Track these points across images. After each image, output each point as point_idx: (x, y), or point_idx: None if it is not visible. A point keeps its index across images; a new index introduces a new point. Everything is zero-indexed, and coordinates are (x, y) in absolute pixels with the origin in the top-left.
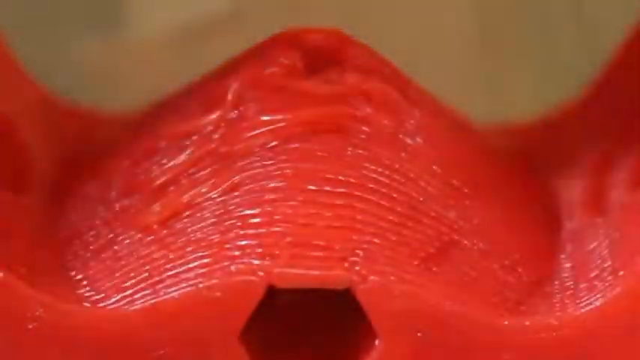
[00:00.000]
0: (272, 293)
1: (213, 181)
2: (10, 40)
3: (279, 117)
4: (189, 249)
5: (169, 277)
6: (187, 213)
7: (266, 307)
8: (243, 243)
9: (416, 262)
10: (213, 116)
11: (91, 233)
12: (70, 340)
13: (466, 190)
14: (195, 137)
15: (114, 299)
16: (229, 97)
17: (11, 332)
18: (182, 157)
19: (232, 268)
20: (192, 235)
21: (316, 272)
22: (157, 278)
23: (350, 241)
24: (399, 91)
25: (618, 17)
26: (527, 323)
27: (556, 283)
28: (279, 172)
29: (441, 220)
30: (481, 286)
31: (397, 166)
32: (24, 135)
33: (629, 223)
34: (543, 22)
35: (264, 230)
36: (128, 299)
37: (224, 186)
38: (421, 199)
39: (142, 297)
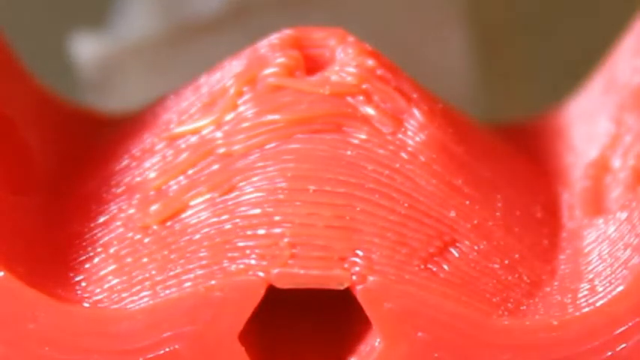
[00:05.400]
0: (272, 293)
1: (212, 181)
2: (9, 39)
3: (279, 117)
4: (190, 249)
5: (169, 277)
6: (187, 213)
7: (266, 307)
8: (243, 243)
9: (416, 262)
10: (213, 116)
11: (91, 233)
12: (70, 340)
13: (466, 190)
14: (194, 137)
15: (114, 299)
16: (229, 97)
17: (11, 332)
18: (182, 158)
19: (232, 268)
20: (192, 235)
21: (316, 272)
22: (157, 278)
23: (350, 241)
24: (399, 91)
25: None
26: (527, 323)
27: (556, 283)
28: (279, 172)
29: (441, 220)
30: (481, 286)
31: (397, 166)
32: (24, 135)
33: (629, 223)
34: (542, 21)
35: (264, 230)
36: (128, 299)
37: (224, 186)
38: (421, 199)
39: (142, 297)
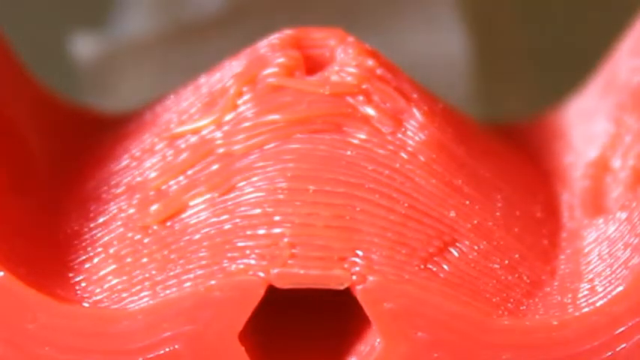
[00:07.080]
0: (272, 293)
1: (212, 181)
2: (9, 39)
3: (279, 117)
4: (190, 249)
5: (169, 277)
6: (187, 213)
7: (266, 307)
8: (243, 243)
9: (416, 262)
10: (213, 116)
11: (91, 233)
12: (70, 340)
13: (466, 190)
14: (194, 137)
15: (114, 299)
16: (229, 97)
17: (11, 332)
18: (182, 158)
19: (232, 268)
20: (192, 235)
21: (316, 272)
22: (157, 278)
23: (350, 241)
24: (399, 91)
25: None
26: (527, 323)
27: (556, 283)
28: (278, 172)
29: (441, 220)
30: (481, 286)
31: (397, 166)
32: (24, 135)
33: (629, 223)
34: (542, 21)
35: (264, 230)
36: (128, 299)
37: (224, 186)
38: (421, 199)
39: (142, 297)
